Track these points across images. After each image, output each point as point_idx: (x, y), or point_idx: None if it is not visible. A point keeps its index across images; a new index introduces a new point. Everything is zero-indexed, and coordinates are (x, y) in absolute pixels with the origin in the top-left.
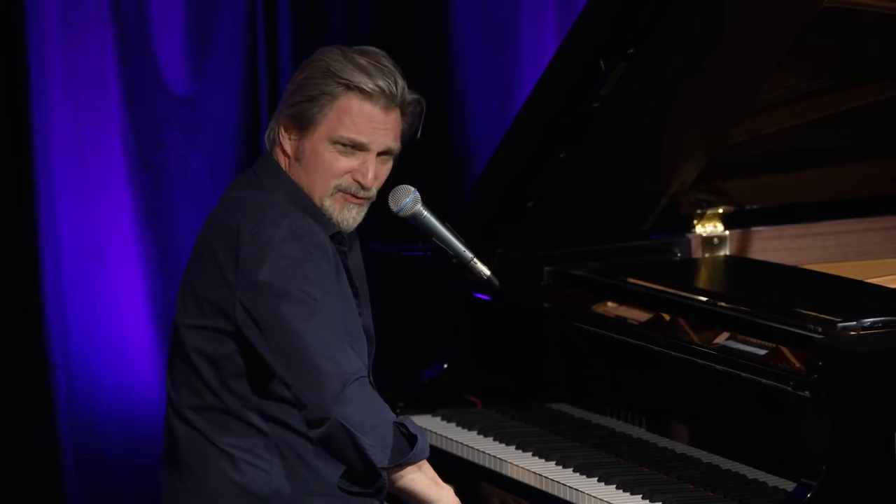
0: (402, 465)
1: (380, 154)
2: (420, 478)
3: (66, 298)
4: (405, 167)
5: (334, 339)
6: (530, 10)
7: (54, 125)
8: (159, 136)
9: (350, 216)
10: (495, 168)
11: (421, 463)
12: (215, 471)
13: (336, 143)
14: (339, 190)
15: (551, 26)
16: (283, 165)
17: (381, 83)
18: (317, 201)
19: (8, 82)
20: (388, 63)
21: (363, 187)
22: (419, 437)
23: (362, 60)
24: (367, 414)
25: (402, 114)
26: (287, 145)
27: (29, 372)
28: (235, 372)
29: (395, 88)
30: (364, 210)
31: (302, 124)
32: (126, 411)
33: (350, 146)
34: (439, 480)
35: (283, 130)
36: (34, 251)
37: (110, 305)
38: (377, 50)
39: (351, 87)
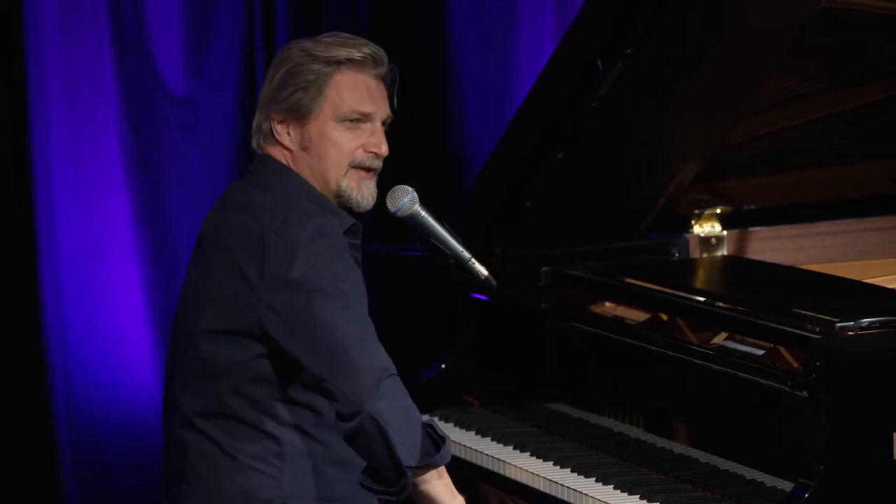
0: (428, 467)
1: (382, 122)
2: (439, 485)
3: (64, 298)
4: (403, 167)
5: (367, 333)
6: (529, 9)
7: (52, 125)
8: (157, 136)
9: (368, 193)
10: (493, 168)
11: (441, 469)
12: (224, 477)
13: (343, 120)
14: (353, 166)
15: (550, 25)
16: (284, 162)
17: (366, 50)
18: (332, 185)
19: (6, 83)
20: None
21: (377, 157)
22: (446, 440)
23: (336, 39)
24: (399, 411)
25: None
26: (286, 140)
27: (27, 372)
28: (253, 377)
29: (380, 53)
30: (375, 183)
31: (300, 114)
32: (124, 411)
33: (356, 120)
34: (454, 490)
35: (278, 126)
36: (32, 251)
37: (108, 306)
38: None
39: (342, 61)
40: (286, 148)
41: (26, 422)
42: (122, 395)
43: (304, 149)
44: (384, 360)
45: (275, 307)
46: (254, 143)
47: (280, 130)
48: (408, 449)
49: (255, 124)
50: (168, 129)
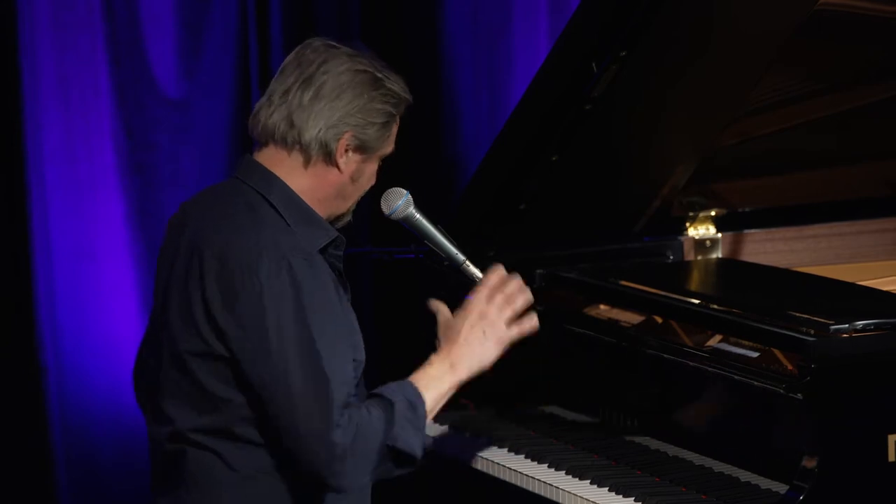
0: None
1: None
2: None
3: (57, 300)
4: (397, 170)
5: (322, 392)
6: (522, 13)
7: (46, 126)
8: (151, 137)
9: None
10: (487, 170)
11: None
12: (226, 490)
13: (381, 160)
14: None
15: (543, 29)
16: (306, 174)
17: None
18: (342, 210)
19: None
20: None
21: None
22: (414, 448)
23: (393, 75)
24: (362, 474)
25: None
26: (342, 163)
27: (20, 374)
28: (249, 397)
29: None
30: None
31: (369, 149)
32: (118, 413)
33: None
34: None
35: (342, 147)
36: (26, 252)
37: (102, 307)
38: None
39: (402, 104)
40: (339, 169)
41: (19, 423)
42: (115, 396)
43: (354, 180)
44: (338, 434)
45: (232, 350)
46: (283, 136)
47: (341, 152)
48: (381, 473)
49: (307, 129)
50: (161, 130)
